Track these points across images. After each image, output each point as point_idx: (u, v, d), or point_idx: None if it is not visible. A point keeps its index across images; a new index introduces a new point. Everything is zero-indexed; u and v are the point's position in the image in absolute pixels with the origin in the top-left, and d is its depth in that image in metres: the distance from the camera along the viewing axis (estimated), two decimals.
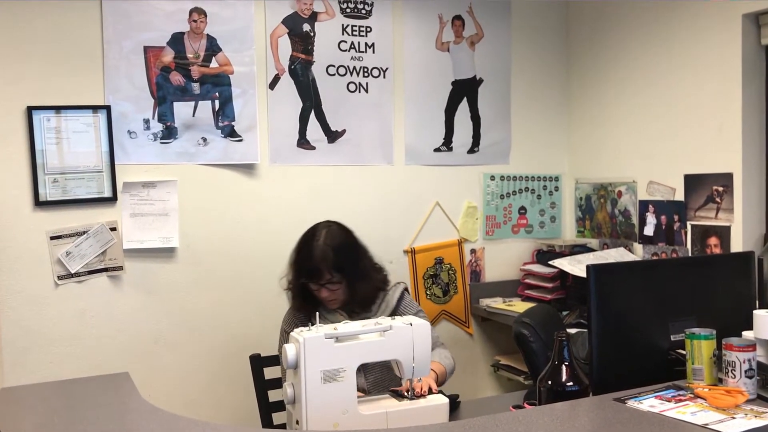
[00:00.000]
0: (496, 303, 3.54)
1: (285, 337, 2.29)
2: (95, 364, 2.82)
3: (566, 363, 1.77)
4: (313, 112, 3.22)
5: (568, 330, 2.86)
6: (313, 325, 1.84)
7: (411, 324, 1.89)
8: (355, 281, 2.32)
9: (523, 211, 3.73)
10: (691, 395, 1.65)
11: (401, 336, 1.88)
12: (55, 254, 2.80)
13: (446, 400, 1.89)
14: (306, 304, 2.33)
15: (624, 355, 1.87)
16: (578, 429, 1.49)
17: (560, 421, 1.54)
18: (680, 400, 1.62)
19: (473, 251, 3.62)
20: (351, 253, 2.34)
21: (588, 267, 1.85)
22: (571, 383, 1.74)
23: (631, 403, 1.60)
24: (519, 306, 3.44)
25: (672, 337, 1.90)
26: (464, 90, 3.55)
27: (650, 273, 1.99)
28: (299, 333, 1.81)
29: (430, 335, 1.93)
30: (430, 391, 1.95)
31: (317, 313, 2.21)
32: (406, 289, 2.45)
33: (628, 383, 1.80)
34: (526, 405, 2.06)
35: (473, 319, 3.64)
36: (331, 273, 2.27)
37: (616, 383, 1.81)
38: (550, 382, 1.77)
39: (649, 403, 1.60)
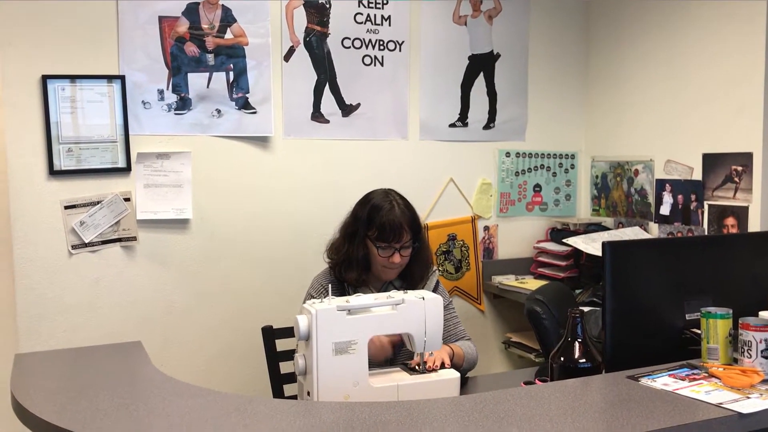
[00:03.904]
0: (509, 280, 3.53)
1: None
2: (108, 333, 2.84)
3: (579, 340, 1.76)
4: (327, 85, 3.20)
5: (581, 308, 2.85)
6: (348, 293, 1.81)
7: (423, 298, 1.88)
8: (421, 249, 2.30)
9: (538, 188, 3.70)
10: (706, 374, 1.64)
11: (413, 310, 1.87)
12: (69, 224, 2.81)
13: (458, 374, 1.88)
14: (361, 273, 2.26)
15: (638, 333, 1.86)
16: (590, 405, 1.48)
17: (572, 397, 1.53)
18: (694, 379, 1.60)
19: (486, 228, 3.60)
20: (419, 219, 2.32)
21: (604, 244, 1.83)
22: (583, 360, 1.74)
23: (645, 381, 1.59)
24: (531, 283, 3.42)
25: (687, 316, 1.89)
26: (481, 65, 3.50)
27: (667, 251, 1.97)
28: (311, 305, 1.80)
29: (443, 310, 1.92)
30: (443, 366, 1.95)
31: (345, 285, 2.21)
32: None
33: (642, 361, 1.79)
34: (537, 381, 2.06)
35: (485, 296, 3.63)
36: (409, 235, 2.24)
37: (629, 361, 1.80)
38: (562, 359, 1.76)
39: (663, 381, 1.59)
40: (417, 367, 1.92)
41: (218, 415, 1.45)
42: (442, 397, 1.83)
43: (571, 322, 1.76)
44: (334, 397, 1.77)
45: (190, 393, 1.59)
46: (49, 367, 1.84)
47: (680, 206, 3.22)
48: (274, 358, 2.52)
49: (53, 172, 2.77)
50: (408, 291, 1.93)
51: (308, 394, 1.80)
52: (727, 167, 2.99)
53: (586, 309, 2.85)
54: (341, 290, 2.25)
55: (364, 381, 1.80)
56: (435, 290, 2.36)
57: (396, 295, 1.89)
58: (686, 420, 1.36)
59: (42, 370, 1.81)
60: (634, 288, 1.86)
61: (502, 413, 1.42)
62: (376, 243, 2.23)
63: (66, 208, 2.81)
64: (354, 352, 1.79)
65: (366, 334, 1.82)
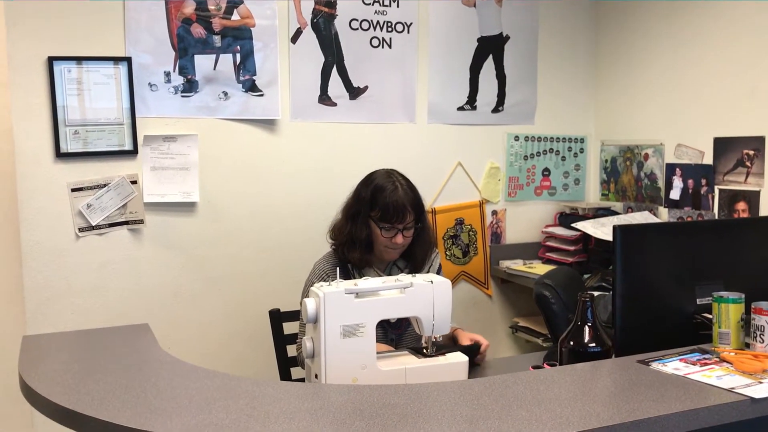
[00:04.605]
0: (517, 265, 3.51)
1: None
2: (115, 316, 2.84)
3: (589, 324, 1.74)
4: (335, 67, 3.17)
5: (591, 292, 2.84)
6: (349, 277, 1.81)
7: (432, 282, 1.87)
8: (423, 230, 2.30)
9: (546, 172, 3.68)
10: (717, 359, 1.62)
11: (421, 293, 1.86)
12: (76, 206, 2.80)
13: (466, 358, 1.87)
14: (364, 253, 2.25)
15: (648, 317, 1.84)
16: (601, 389, 1.47)
17: (583, 381, 1.52)
18: (705, 364, 1.59)
19: (494, 213, 3.58)
20: (422, 200, 2.31)
21: (615, 227, 1.81)
22: (593, 344, 1.72)
23: (655, 366, 1.58)
24: (539, 268, 3.41)
25: (698, 301, 1.87)
26: (490, 47, 3.47)
27: (678, 235, 1.95)
28: (319, 288, 1.79)
29: (451, 294, 1.90)
30: (450, 349, 1.93)
31: (348, 267, 2.21)
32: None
33: (652, 346, 1.78)
34: (545, 366, 2.05)
35: (492, 280, 3.62)
36: (412, 215, 2.23)
37: (639, 346, 1.79)
38: (572, 343, 1.74)
39: (674, 365, 1.58)
40: (425, 351, 1.91)
41: (227, 397, 1.44)
42: (451, 380, 1.83)
43: (581, 306, 1.74)
44: (342, 380, 1.76)
45: (198, 375, 1.59)
46: (56, 349, 1.84)
47: (690, 191, 3.19)
48: (281, 341, 2.52)
49: (60, 155, 2.76)
50: (416, 274, 1.92)
51: (316, 376, 1.79)
52: (738, 151, 2.95)
53: (595, 294, 2.83)
54: (345, 273, 2.24)
55: (372, 364, 1.79)
56: (439, 272, 2.36)
57: (404, 278, 1.88)
58: (698, 405, 1.35)
59: (50, 352, 1.81)
60: (645, 272, 1.84)
61: (512, 397, 1.41)
62: (379, 224, 2.22)
63: (73, 190, 2.80)
64: (362, 335, 1.78)
65: (374, 317, 1.81)
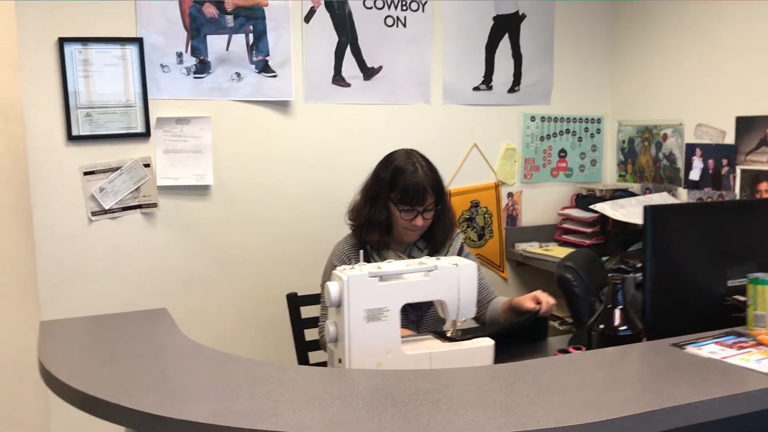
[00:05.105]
0: (533, 247, 3.47)
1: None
2: (128, 301, 2.81)
3: (620, 307, 1.70)
4: (349, 47, 3.12)
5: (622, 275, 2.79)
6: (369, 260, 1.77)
7: (457, 264, 1.83)
8: (444, 211, 2.25)
9: (563, 153, 3.62)
10: (754, 342, 1.58)
11: (446, 276, 1.82)
12: (88, 190, 2.77)
13: (492, 342, 1.83)
14: (382, 235, 2.20)
15: (678, 299, 1.80)
16: (636, 374, 1.43)
17: (617, 365, 1.48)
18: (742, 347, 1.55)
19: (510, 195, 3.54)
20: (442, 181, 2.26)
21: (645, 208, 1.76)
22: (624, 327, 1.68)
23: (690, 349, 1.54)
24: (556, 251, 3.37)
25: (729, 283, 1.83)
26: (506, 26, 3.40)
27: (709, 215, 1.90)
28: (342, 271, 1.75)
29: (477, 277, 1.86)
30: (475, 333, 1.89)
31: (366, 248, 2.16)
32: (465, 240, 2.38)
33: (682, 329, 1.74)
34: (571, 349, 2.01)
35: (508, 263, 3.57)
36: (432, 197, 2.19)
37: (669, 328, 1.75)
38: (602, 326, 1.71)
39: (709, 349, 1.54)
40: (449, 334, 1.87)
41: (252, 382, 1.41)
42: (476, 365, 1.79)
43: (612, 288, 1.70)
44: (366, 365, 1.73)
45: (221, 360, 1.56)
46: (75, 334, 1.81)
47: (711, 171, 3.14)
48: (299, 325, 2.49)
49: (71, 138, 2.72)
50: (440, 257, 1.87)
51: (339, 361, 1.76)
52: (761, 130, 2.90)
53: None
54: (364, 255, 2.20)
55: (397, 348, 1.76)
56: (460, 253, 2.31)
57: (428, 261, 1.83)
58: (738, 390, 1.31)
59: (69, 338, 1.78)
60: (676, 253, 1.80)
61: (545, 382, 1.37)
62: (399, 206, 2.17)
63: (85, 174, 2.76)
64: (386, 319, 1.75)
65: (398, 300, 1.77)
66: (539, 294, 2.08)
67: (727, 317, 1.79)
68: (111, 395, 1.35)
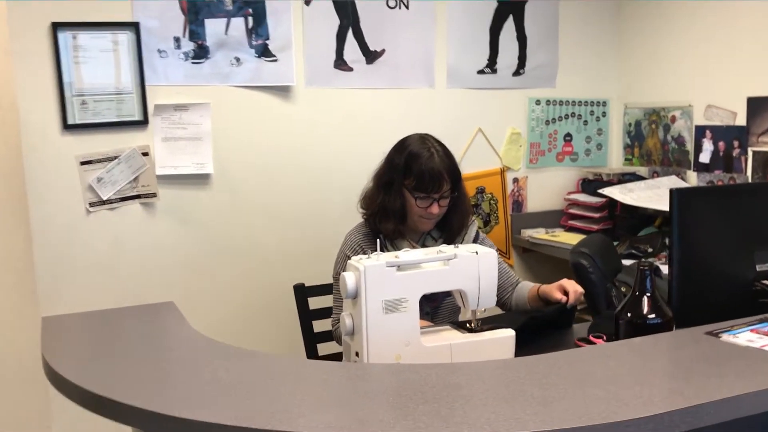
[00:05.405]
0: (539, 234, 3.41)
1: (346, 262, 2.11)
2: (129, 294, 2.73)
3: (648, 294, 1.63)
4: (350, 30, 3.03)
5: (623, 261, 2.74)
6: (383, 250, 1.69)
7: (477, 252, 1.76)
8: (459, 198, 2.17)
9: (568, 138, 3.56)
10: None
11: (466, 265, 1.75)
12: (85, 180, 2.68)
13: (512, 332, 1.76)
14: (397, 224, 2.12)
15: (706, 285, 1.75)
16: (676, 365, 1.36)
17: (653, 355, 1.41)
18: None
19: (516, 180, 3.47)
20: (458, 167, 2.18)
21: (672, 191, 1.71)
22: (653, 316, 1.62)
23: (726, 338, 1.48)
24: (563, 237, 3.31)
25: (758, 267, 1.77)
26: (510, 7, 3.32)
27: (736, 198, 1.83)
28: (359, 261, 1.68)
29: (497, 265, 1.80)
30: (496, 324, 1.82)
31: (380, 237, 2.08)
32: (480, 227, 2.29)
33: (710, 316, 1.68)
34: (591, 338, 1.95)
35: (514, 250, 3.51)
36: (449, 184, 2.10)
37: (697, 315, 1.69)
38: (629, 315, 1.64)
39: (746, 337, 1.47)
40: (469, 325, 1.80)
41: (271, 378, 1.34)
42: (498, 356, 1.73)
43: (640, 275, 1.63)
44: (385, 358, 1.66)
45: (235, 355, 1.48)
46: (80, 330, 1.73)
47: (721, 154, 3.08)
48: (307, 316, 2.42)
49: (67, 127, 2.63)
50: (459, 245, 1.80)
51: (357, 354, 1.69)
52: None
53: (628, 262, 2.73)
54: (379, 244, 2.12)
55: (416, 340, 1.69)
56: (475, 241, 2.24)
57: (447, 249, 1.76)
58: None
59: (73, 334, 1.70)
60: (702, 237, 1.74)
61: (580, 374, 1.31)
62: (414, 193, 2.10)
63: (82, 164, 2.68)
64: (405, 310, 1.68)
65: (417, 291, 1.70)
66: (566, 283, 2.00)
67: (755, 303, 1.74)
68: (120, 394, 1.28)
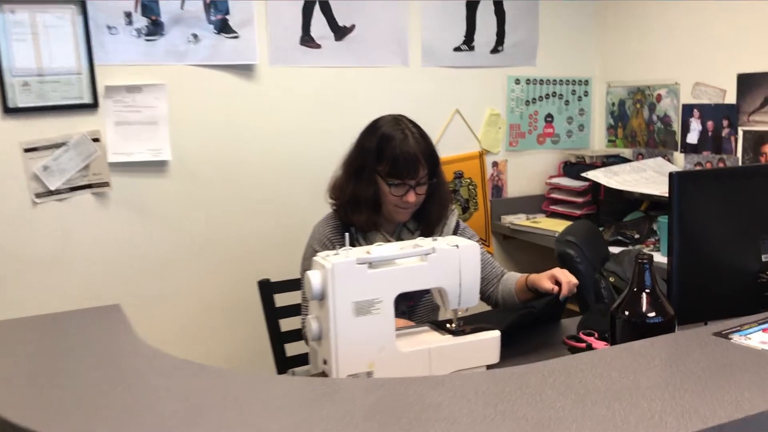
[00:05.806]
0: (520, 220, 3.25)
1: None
2: (80, 293, 2.53)
3: (647, 290, 1.47)
4: (317, 4, 2.83)
5: (610, 249, 2.59)
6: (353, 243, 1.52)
7: (457, 246, 1.58)
8: (438, 185, 1.99)
9: (549, 119, 3.39)
10: None
11: (446, 260, 1.57)
12: (30, 169, 2.47)
13: (498, 333, 1.60)
14: (370, 214, 1.95)
15: (708, 278, 1.59)
16: (689, 374, 1.18)
17: (661, 363, 1.25)
18: None
19: (495, 164, 3.30)
20: (436, 150, 2.00)
21: (672, 174, 1.55)
22: (653, 314, 1.45)
23: (737, 339, 1.32)
24: (544, 223, 3.16)
25: (764, 257, 1.62)
26: None
27: (741, 181, 1.67)
28: (325, 258, 1.50)
29: (479, 259, 1.62)
30: (479, 325, 1.65)
31: (350, 231, 1.90)
32: (459, 215, 2.11)
33: (713, 311, 1.54)
34: (581, 336, 1.80)
35: (494, 237, 3.36)
36: (425, 169, 1.92)
37: (699, 311, 1.56)
38: (626, 313, 1.48)
39: (759, 338, 1.32)
40: (450, 325, 1.63)
41: (223, 398, 1.16)
42: (481, 359, 1.57)
43: (638, 269, 1.47)
44: (356, 366, 1.48)
45: (185, 371, 1.29)
46: (13, 341, 1.52)
47: (710, 133, 2.93)
48: (273, 314, 2.23)
49: (8, 110, 2.42)
50: (437, 238, 1.63)
51: (324, 362, 1.51)
52: (765, 88, 2.70)
53: (616, 250, 2.58)
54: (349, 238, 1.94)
55: (391, 345, 1.52)
56: (455, 232, 2.07)
57: (424, 243, 1.59)
58: None
59: (4, 346, 1.49)
60: (704, 225, 1.58)
61: (579, 389, 1.14)
62: (388, 179, 1.91)
63: (26, 151, 2.46)
64: (378, 312, 1.50)
65: (391, 290, 1.52)
66: (557, 273, 1.82)
67: (761, 296, 1.59)
68: (42, 424, 1.09)
